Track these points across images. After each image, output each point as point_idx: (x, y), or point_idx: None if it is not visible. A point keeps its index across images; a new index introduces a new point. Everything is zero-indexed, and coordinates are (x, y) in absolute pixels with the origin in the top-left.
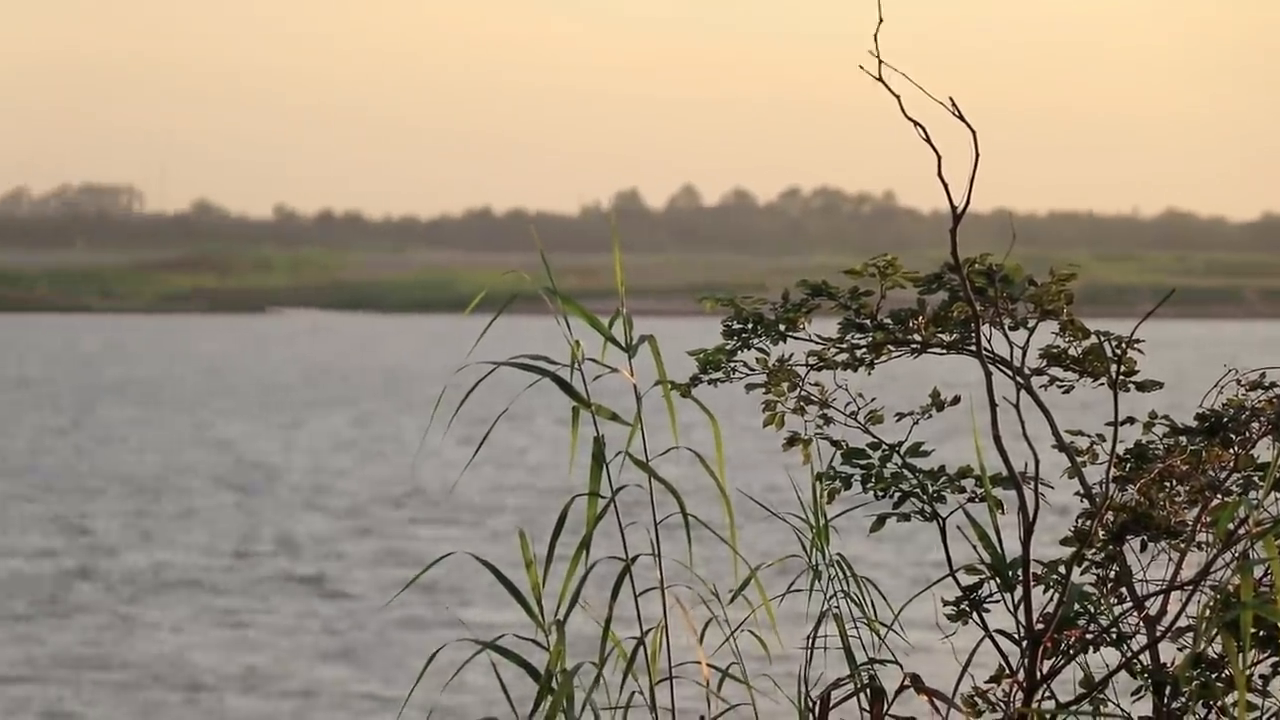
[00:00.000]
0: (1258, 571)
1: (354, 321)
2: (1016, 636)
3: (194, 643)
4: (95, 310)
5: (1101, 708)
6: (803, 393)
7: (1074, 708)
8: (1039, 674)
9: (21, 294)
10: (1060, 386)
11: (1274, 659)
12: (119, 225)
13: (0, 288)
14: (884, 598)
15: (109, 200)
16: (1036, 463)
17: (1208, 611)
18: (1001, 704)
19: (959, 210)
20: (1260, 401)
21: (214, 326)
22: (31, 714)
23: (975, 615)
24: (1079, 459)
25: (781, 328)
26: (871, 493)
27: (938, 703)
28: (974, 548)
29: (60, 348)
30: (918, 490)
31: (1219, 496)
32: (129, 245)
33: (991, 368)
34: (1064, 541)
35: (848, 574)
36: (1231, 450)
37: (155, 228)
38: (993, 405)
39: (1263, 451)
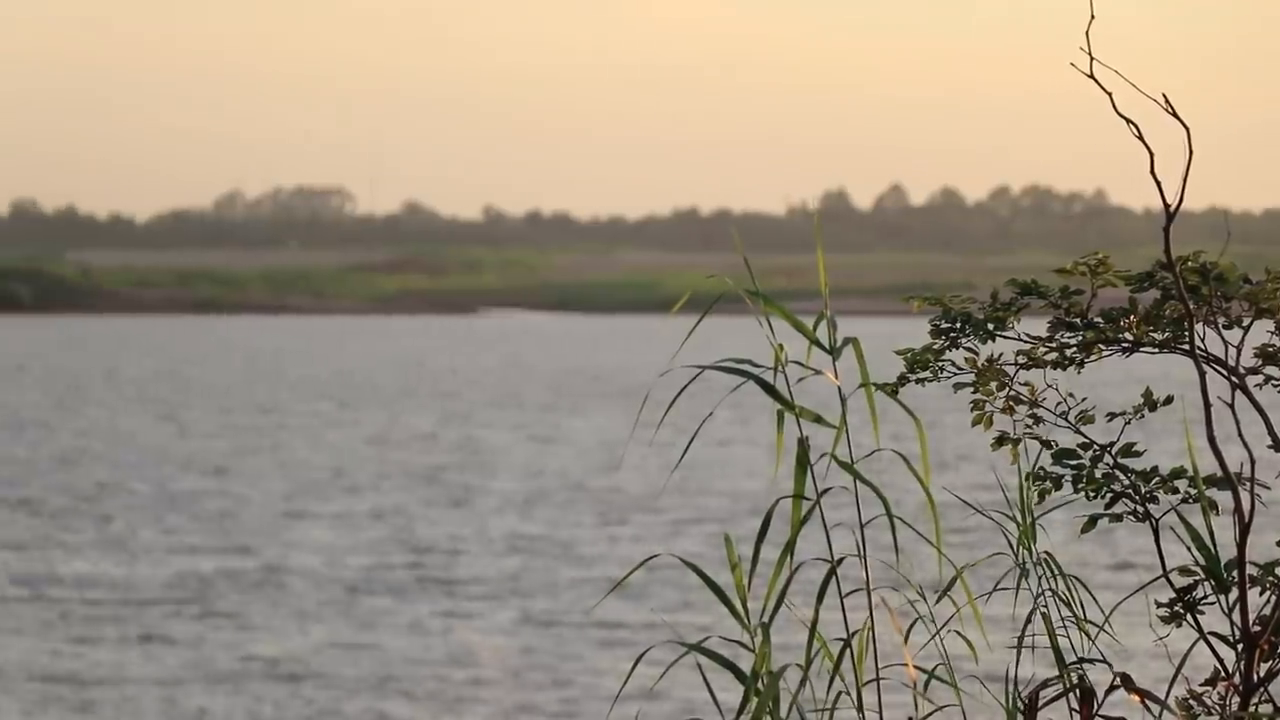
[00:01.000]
0: None
1: (561, 322)
2: (1231, 639)
3: (424, 640)
4: (306, 311)
5: None
6: (1011, 392)
7: None
8: (1256, 677)
9: (235, 295)
10: (1277, 386)
11: None
12: (330, 227)
13: (214, 288)
14: (1093, 597)
15: (321, 202)
16: (1252, 463)
17: None
18: (1216, 708)
19: (1172, 208)
20: None
21: (423, 327)
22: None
23: (1190, 617)
24: None
25: (990, 327)
26: (1082, 493)
27: (1149, 704)
28: (1188, 549)
29: (270, 347)
30: (1130, 491)
31: None
32: (340, 247)
33: (1205, 367)
34: None
35: (1056, 572)
36: None
37: (366, 229)
38: (1206, 405)
39: None
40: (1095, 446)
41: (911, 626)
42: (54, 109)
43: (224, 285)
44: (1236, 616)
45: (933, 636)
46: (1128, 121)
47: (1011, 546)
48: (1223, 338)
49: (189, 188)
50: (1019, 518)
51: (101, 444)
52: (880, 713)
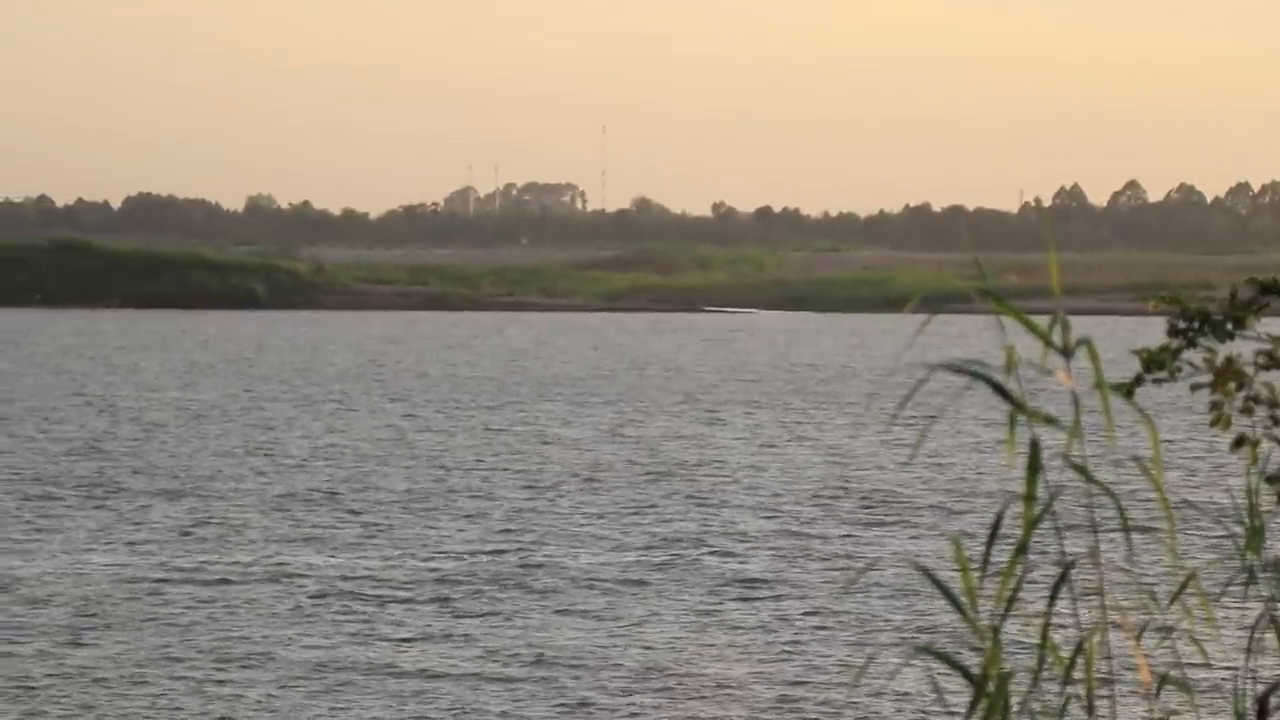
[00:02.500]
0: None
1: (791, 320)
2: None
3: (666, 635)
4: (537, 308)
5: None
6: (1250, 392)
7: None
8: None
9: (467, 291)
10: None
11: None
12: (561, 223)
13: (445, 284)
14: None
15: (552, 199)
16: None
17: None
18: None
19: None
20: None
21: (652, 324)
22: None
23: None
24: None
25: (1229, 326)
26: None
27: None
28: None
29: (500, 343)
30: None
31: None
32: (571, 243)
33: None
34: None
35: None
36: None
37: (596, 225)
38: None
39: None
40: None
41: (1144, 629)
42: (288, 108)
43: (455, 281)
44: None
45: (1166, 640)
46: None
47: (1240, 550)
48: None
49: (421, 184)
50: (1247, 520)
51: (345, 440)
52: (1113, 715)
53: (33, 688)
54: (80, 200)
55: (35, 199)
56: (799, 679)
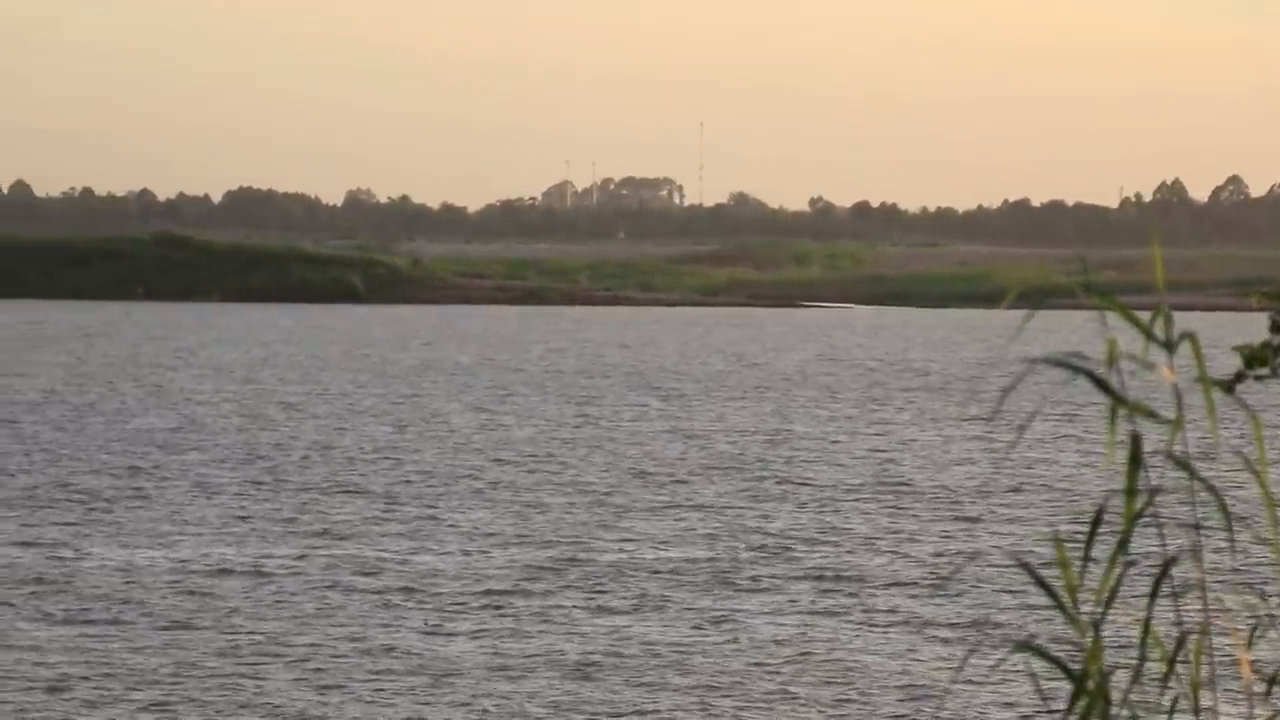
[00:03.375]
0: None
1: (888, 315)
2: None
3: (758, 631)
4: (634, 302)
5: None
6: None
7: None
8: None
9: (563, 286)
10: None
11: None
12: (658, 218)
13: (542, 279)
14: None
15: (649, 193)
16: None
17: None
18: None
19: None
20: None
21: (749, 319)
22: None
23: None
24: None
25: None
26: None
27: None
28: None
29: (599, 338)
30: None
31: None
32: (668, 238)
33: None
34: None
35: None
36: None
37: (693, 220)
38: None
39: None
40: None
41: (1253, 628)
42: (388, 103)
43: (552, 276)
44: None
45: (1273, 638)
46: None
47: None
48: None
49: (519, 179)
50: None
51: (429, 430)
52: (1215, 713)
53: (137, 677)
54: (182, 194)
55: (138, 193)
56: (898, 673)
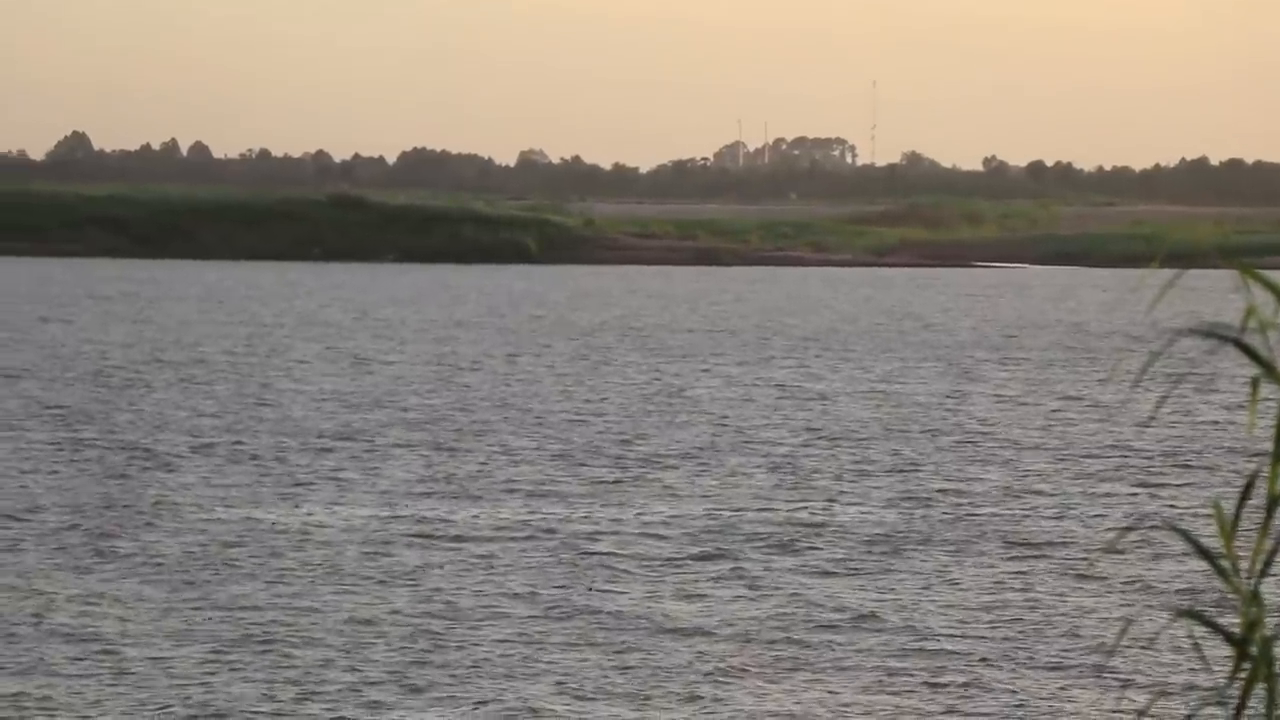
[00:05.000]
0: None
1: (1062, 275)
2: None
3: (920, 595)
4: (805, 263)
5: None
6: None
7: None
8: None
9: (735, 246)
10: None
11: None
12: (830, 178)
13: (713, 239)
14: None
15: (821, 153)
16: None
17: None
18: None
19: None
20: None
21: (920, 279)
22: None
23: None
24: None
25: None
26: None
27: None
28: None
29: (771, 297)
30: None
31: None
32: (840, 197)
33: None
34: None
35: None
36: None
37: (866, 180)
38: None
39: None
40: None
41: None
42: (559, 63)
43: (723, 236)
44: None
45: None
46: None
47: None
48: None
49: (691, 139)
50: None
51: (608, 391)
52: None
53: (335, 635)
54: (357, 155)
55: (314, 154)
56: (1062, 636)
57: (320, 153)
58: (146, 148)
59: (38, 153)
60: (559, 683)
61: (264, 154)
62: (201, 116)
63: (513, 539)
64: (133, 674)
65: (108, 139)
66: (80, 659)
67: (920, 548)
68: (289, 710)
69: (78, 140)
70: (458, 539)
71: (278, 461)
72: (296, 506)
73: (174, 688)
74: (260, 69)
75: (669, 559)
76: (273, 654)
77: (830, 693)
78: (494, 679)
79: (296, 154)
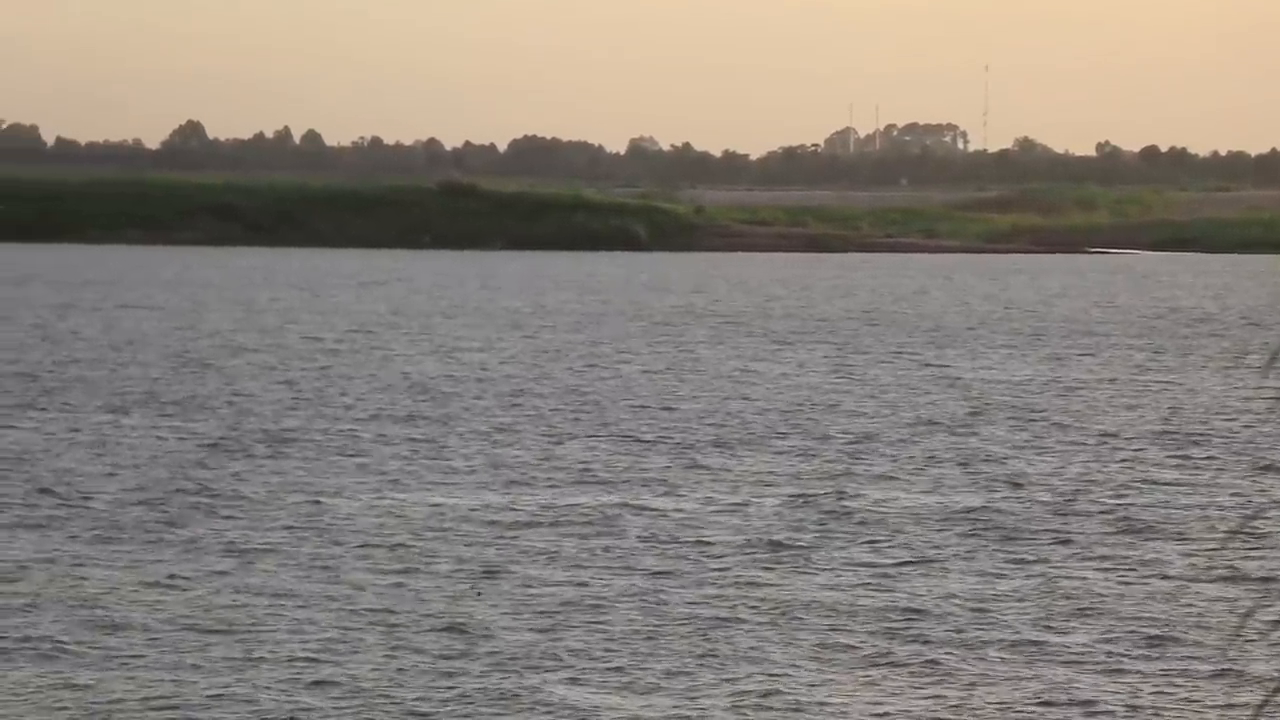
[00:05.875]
0: None
1: (1177, 261)
2: None
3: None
4: (916, 249)
5: None
6: None
7: None
8: None
9: (845, 233)
10: None
11: None
12: (942, 164)
13: (824, 226)
14: None
15: (933, 139)
16: None
17: None
18: None
19: None
20: None
21: (1035, 266)
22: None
23: None
24: None
25: None
26: None
27: None
28: None
29: (874, 285)
30: None
31: None
32: (951, 183)
33: None
34: None
35: None
36: None
37: (978, 166)
38: None
39: None
40: None
41: None
42: (669, 50)
43: (833, 223)
44: None
45: None
46: None
47: None
48: None
49: (801, 125)
50: None
51: (700, 378)
52: None
53: (435, 620)
54: (468, 143)
55: (425, 142)
56: (1180, 628)
57: (431, 140)
58: (260, 136)
59: (153, 142)
60: (658, 670)
61: (376, 142)
62: (314, 105)
63: (598, 526)
64: (253, 660)
65: (221, 128)
66: (209, 647)
67: (1031, 536)
68: (412, 683)
69: (192, 129)
70: (546, 525)
71: (375, 446)
72: (383, 492)
73: (299, 666)
74: (373, 57)
75: (755, 543)
76: (384, 639)
77: (931, 685)
78: (581, 664)
79: (408, 142)
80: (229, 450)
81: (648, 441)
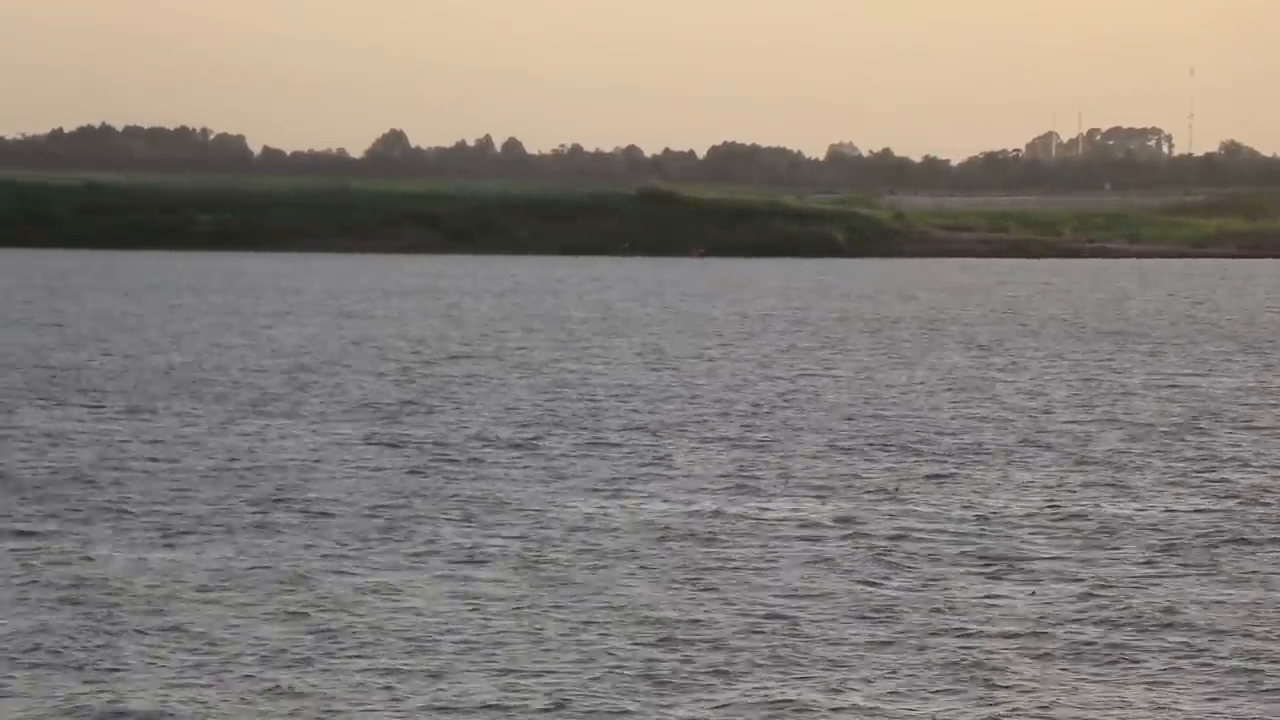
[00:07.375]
0: None
1: None
2: None
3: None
4: (1120, 254)
5: None
6: None
7: None
8: None
9: (1047, 238)
10: None
11: None
12: (1146, 168)
13: (1025, 231)
14: None
15: (1137, 143)
16: None
17: None
18: None
19: None
20: None
21: (1242, 271)
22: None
23: None
24: None
25: None
26: None
27: None
28: None
29: (1093, 289)
30: None
31: None
32: (1156, 188)
33: None
34: None
35: None
36: None
37: (1182, 170)
38: None
39: None
40: None
41: None
42: (869, 56)
43: (1035, 228)
44: None
45: None
46: None
47: None
48: None
49: (1003, 131)
50: None
51: (908, 386)
52: None
53: (635, 621)
54: (667, 150)
55: (624, 149)
56: (1253, 616)
57: (631, 147)
58: (461, 144)
59: (357, 151)
60: (865, 679)
61: (576, 149)
62: (516, 113)
63: (811, 533)
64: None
65: (424, 136)
66: (461, 653)
67: (1251, 546)
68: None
69: (395, 138)
70: (760, 532)
71: (590, 452)
72: (574, 498)
73: (544, 672)
74: (573, 65)
75: (963, 554)
76: (580, 643)
77: (1134, 692)
78: (790, 669)
79: (608, 149)
80: (452, 459)
81: (852, 448)
